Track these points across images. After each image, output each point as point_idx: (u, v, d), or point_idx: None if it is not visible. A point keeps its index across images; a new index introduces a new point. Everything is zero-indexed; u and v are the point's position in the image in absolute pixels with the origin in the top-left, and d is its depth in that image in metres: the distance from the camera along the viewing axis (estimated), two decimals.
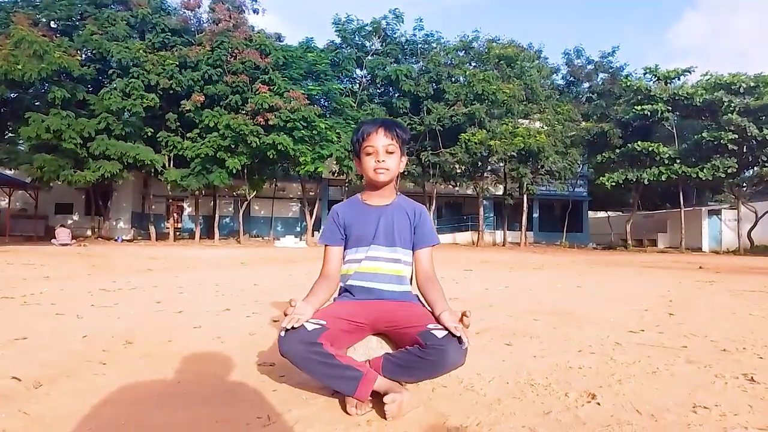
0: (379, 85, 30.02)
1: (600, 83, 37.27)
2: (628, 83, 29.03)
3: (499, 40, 31.74)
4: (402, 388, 1.81)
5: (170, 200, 30.77)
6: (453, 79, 28.50)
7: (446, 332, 1.74)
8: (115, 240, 25.07)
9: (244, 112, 22.69)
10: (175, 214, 32.19)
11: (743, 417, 1.77)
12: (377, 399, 1.81)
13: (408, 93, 27.74)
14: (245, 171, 23.98)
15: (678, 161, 26.51)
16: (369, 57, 28.95)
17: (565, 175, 28.86)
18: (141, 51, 22.61)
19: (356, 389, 1.74)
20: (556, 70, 37.64)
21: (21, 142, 23.22)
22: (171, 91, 22.96)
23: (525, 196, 29.31)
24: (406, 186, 30.00)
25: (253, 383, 2.12)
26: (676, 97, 26.57)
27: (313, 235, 26.43)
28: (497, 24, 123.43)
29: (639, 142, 26.76)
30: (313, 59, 26.01)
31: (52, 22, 24.49)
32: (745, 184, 27.99)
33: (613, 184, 27.36)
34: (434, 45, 30.07)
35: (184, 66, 23.45)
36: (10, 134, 25.23)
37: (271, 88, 23.13)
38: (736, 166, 25.38)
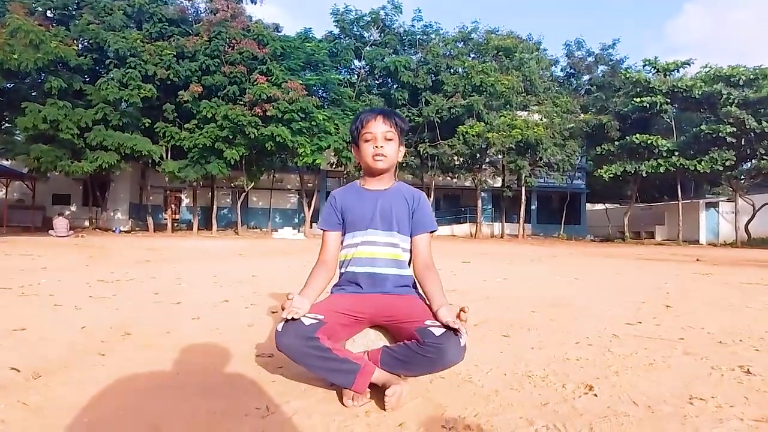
0: (377, 76, 29.97)
1: (600, 75, 37.23)
2: (628, 75, 28.96)
3: (498, 31, 31.67)
4: (400, 380, 1.82)
5: (168, 191, 30.73)
6: (451, 70, 28.42)
7: (444, 329, 1.74)
8: (113, 231, 25.04)
9: (242, 102, 22.62)
10: (172, 205, 32.16)
11: (739, 408, 1.78)
12: (375, 390, 1.81)
13: (406, 84, 27.66)
14: (243, 162, 23.94)
15: (676, 154, 26.52)
16: (367, 48, 28.85)
17: (564, 167, 28.85)
18: (138, 41, 22.47)
19: (354, 381, 1.74)
20: (555, 61, 37.60)
21: (17, 132, 23.12)
22: (168, 82, 22.85)
23: (523, 189, 29.33)
24: (405, 178, 29.96)
25: (252, 374, 2.13)
26: (675, 90, 26.53)
27: (311, 227, 26.44)
28: (497, 14, 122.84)
29: (637, 135, 26.76)
30: (311, 50, 25.89)
31: (49, 12, 24.32)
32: (743, 177, 28.01)
33: (612, 176, 27.38)
34: (433, 36, 29.98)
35: (181, 56, 23.34)
36: (6, 124, 25.13)
37: (269, 78, 23.04)
38: (735, 159, 25.40)
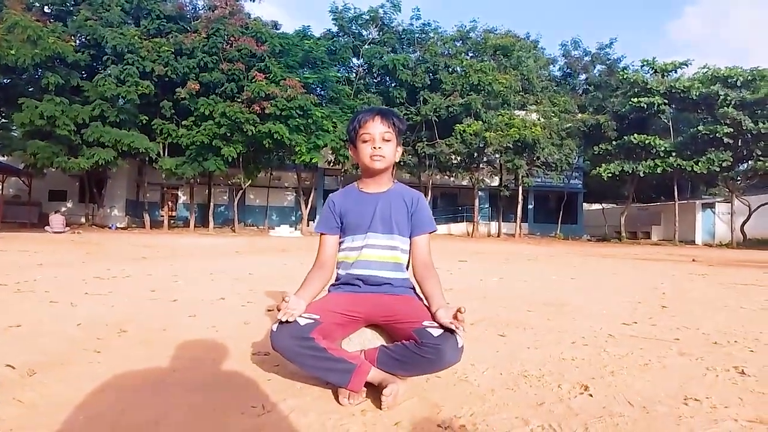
0: (375, 75, 29.94)
1: (597, 75, 37.28)
2: (625, 75, 28.98)
3: (496, 30, 31.66)
4: (397, 380, 1.82)
5: (165, 188, 30.65)
6: (450, 69, 28.41)
7: (442, 330, 1.75)
8: (109, 227, 24.98)
9: (239, 100, 22.56)
10: (169, 202, 32.09)
11: (733, 409, 1.79)
12: (371, 389, 1.82)
13: (405, 83, 27.65)
14: (240, 159, 23.90)
15: (673, 154, 26.57)
16: (366, 46, 28.82)
17: (561, 166, 28.87)
18: (136, 37, 22.38)
19: (349, 380, 1.75)
20: (553, 61, 37.63)
21: (14, 128, 22.98)
22: (166, 79, 22.77)
23: (520, 188, 29.35)
24: (402, 176, 29.95)
25: (248, 372, 2.13)
26: (673, 90, 26.57)
27: (308, 225, 26.43)
28: (495, 13, 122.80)
29: (635, 135, 26.79)
30: (309, 47, 25.84)
31: (46, 7, 24.21)
32: (739, 178, 28.10)
33: (609, 175, 27.40)
34: (431, 34, 29.96)
35: (179, 53, 23.25)
36: (3, 120, 24.98)
37: (268, 76, 22.99)
38: (731, 160, 25.47)
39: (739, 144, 25.53)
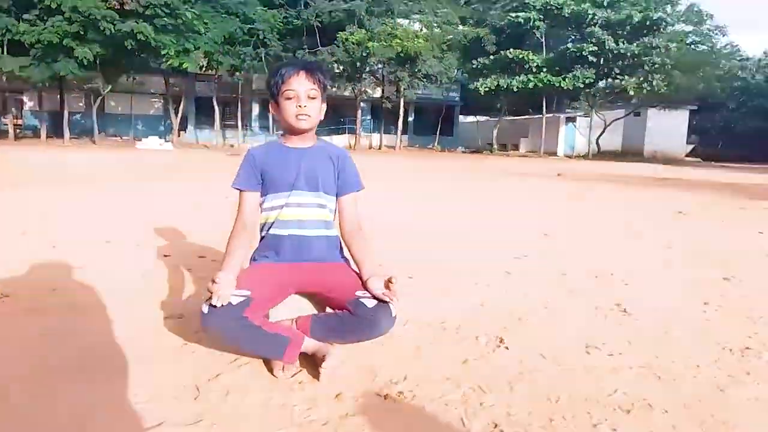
0: None
1: None
2: None
3: None
4: (329, 346, 1.80)
5: (7, 93, 26.68)
6: None
7: (376, 302, 1.73)
8: None
9: None
10: (13, 109, 28.11)
11: (627, 356, 1.99)
12: (304, 358, 1.79)
13: None
14: (98, 62, 21.25)
15: (545, 70, 28.01)
16: None
17: (441, 79, 29.31)
18: None
19: (284, 353, 1.70)
20: None
21: None
22: None
23: (402, 100, 29.52)
24: None
25: (168, 344, 1.97)
26: (548, 7, 27.54)
27: (179, 136, 24.76)
28: None
29: (511, 50, 27.71)
30: None
31: None
32: (598, 94, 30.52)
33: (487, 90, 28.38)
34: None
35: None
36: None
37: None
38: (594, 77, 27.47)
39: (601, 62, 27.49)
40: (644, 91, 26.68)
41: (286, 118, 1.86)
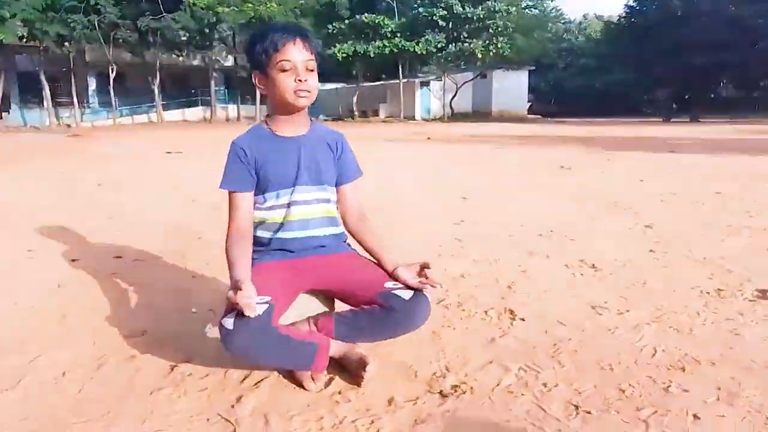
0: None
1: None
2: None
3: None
4: (355, 348, 1.60)
5: None
6: None
7: (412, 292, 1.53)
8: None
9: None
10: None
11: (634, 313, 2.02)
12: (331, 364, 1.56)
13: None
14: None
15: (398, 35, 28.46)
16: None
17: None
18: None
19: (314, 362, 1.47)
20: None
21: None
22: None
23: None
24: (123, 56, 25.90)
25: (151, 370, 1.60)
26: None
27: (1, 117, 21.35)
28: None
29: (366, 14, 27.69)
30: None
31: None
32: (450, 58, 31.80)
33: (344, 55, 28.16)
34: None
35: None
36: None
37: None
38: (445, 42, 28.52)
39: (450, 26, 28.59)
40: (491, 53, 28.33)
41: (281, 94, 1.54)
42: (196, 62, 28.94)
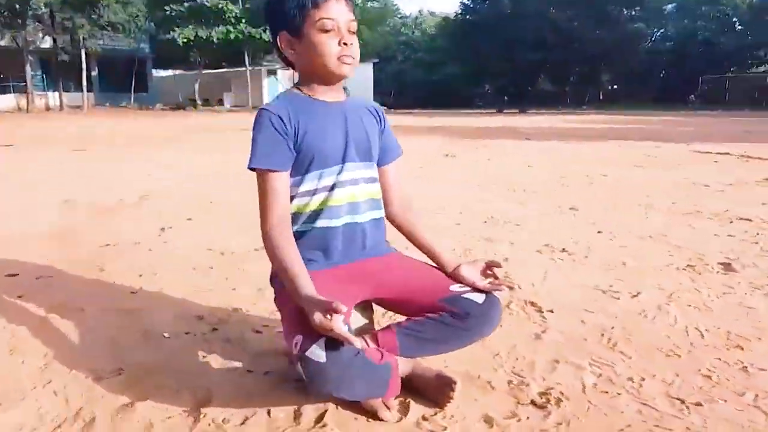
0: None
1: None
2: None
3: None
4: (423, 363, 1.43)
5: None
6: None
7: (484, 295, 1.36)
8: None
9: None
10: None
11: (645, 294, 2.09)
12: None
13: None
14: None
15: (243, 21, 27.22)
16: None
17: (129, 28, 25.81)
18: None
19: (389, 387, 1.26)
20: None
21: None
22: None
23: (83, 52, 25.05)
24: None
25: (175, 424, 1.26)
26: None
27: None
28: None
29: None
30: None
31: None
32: None
33: (185, 41, 26.21)
34: None
35: None
36: None
37: None
38: None
39: None
40: None
41: (322, 60, 1.26)
42: (4, 42, 24.79)
